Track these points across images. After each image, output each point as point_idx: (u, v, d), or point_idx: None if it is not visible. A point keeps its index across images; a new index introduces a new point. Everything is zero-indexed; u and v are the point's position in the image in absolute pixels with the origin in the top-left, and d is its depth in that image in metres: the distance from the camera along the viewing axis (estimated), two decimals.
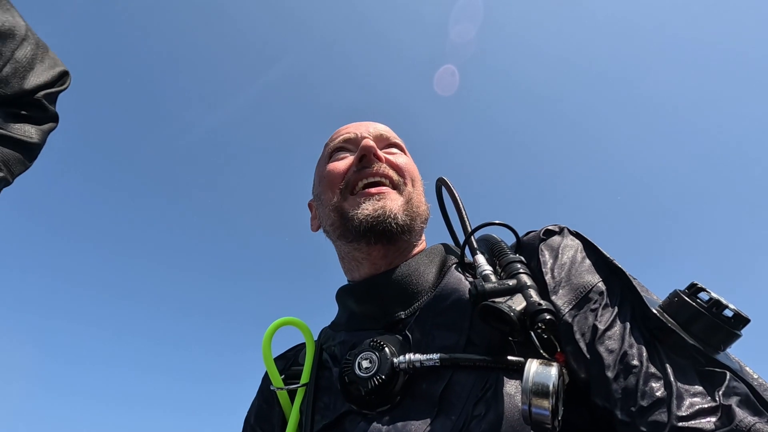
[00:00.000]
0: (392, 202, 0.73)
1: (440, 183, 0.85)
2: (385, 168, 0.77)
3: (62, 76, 0.79)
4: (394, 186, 0.76)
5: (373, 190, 0.74)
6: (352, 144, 0.83)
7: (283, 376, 0.79)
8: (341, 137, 0.84)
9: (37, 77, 0.73)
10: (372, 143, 0.77)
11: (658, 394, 0.48)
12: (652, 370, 0.50)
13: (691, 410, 0.46)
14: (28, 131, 0.74)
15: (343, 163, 0.79)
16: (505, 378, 0.56)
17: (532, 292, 0.57)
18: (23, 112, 0.74)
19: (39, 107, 0.75)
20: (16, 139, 0.72)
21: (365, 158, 0.76)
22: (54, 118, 0.80)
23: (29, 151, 0.76)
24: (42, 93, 0.75)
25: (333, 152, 0.83)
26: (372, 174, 0.75)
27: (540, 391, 0.48)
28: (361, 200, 0.73)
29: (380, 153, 0.78)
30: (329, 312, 0.88)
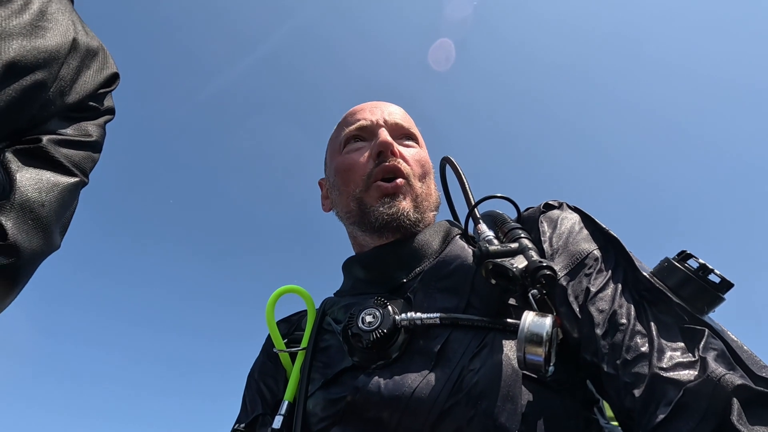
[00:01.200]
0: (404, 201, 0.78)
1: (444, 162, 0.89)
2: (400, 163, 0.80)
3: (109, 79, 0.78)
4: (407, 181, 0.80)
5: (389, 186, 0.78)
6: (367, 132, 0.85)
7: (286, 340, 0.81)
8: (356, 125, 0.86)
9: (82, 87, 0.72)
10: (389, 139, 0.80)
11: (643, 349, 0.52)
12: (639, 327, 0.54)
13: (670, 363, 0.49)
14: (86, 130, 0.74)
15: (360, 155, 0.83)
16: (501, 338, 0.59)
17: (533, 253, 0.60)
18: (77, 115, 0.73)
19: (90, 109, 0.75)
20: (77, 141, 0.71)
21: (382, 154, 0.80)
22: (109, 112, 0.80)
23: (93, 147, 0.76)
24: (88, 101, 0.74)
25: (347, 141, 0.86)
26: (388, 169, 0.79)
27: (534, 339, 0.52)
28: (378, 196, 0.78)
29: (396, 148, 0.81)
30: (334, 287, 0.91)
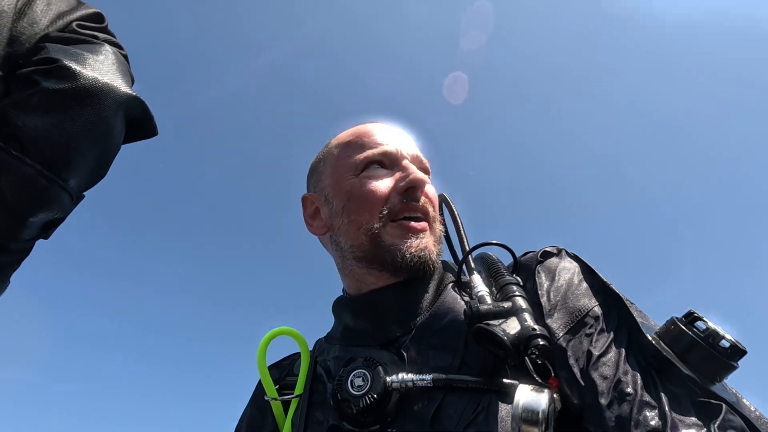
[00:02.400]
0: (429, 241, 0.73)
1: (441, 199, 0.85)
2: (427, 204, 0.76)
3: (93, 17, 0.74)
4: (430, 223, 0.76)
5: (417, 225, 0.73)
6: (389, 160, 0.77)
7: (277, 386, 0.78)
8: (379, 150, 0.77)
9: (55, 21, 0.69)
10: (422, 176, 0.75)
11: (653, 423, 0.48)
12: (647, 398, 0.50)
13: None
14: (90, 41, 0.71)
15: (383, 184, 0.74)
16: (497, 401, 0.56)
17: (527, 316, 0.56)
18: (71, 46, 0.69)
19: (85, 39, 0.71)
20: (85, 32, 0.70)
21: (412, 191, 0.74)
22: (111, 42, 0.75)
23: (108, 31, 0.76)
24: (75, 24, 0.71)
25: (368, 164, 0.77)
26: (417, 209, 0.74)
27: (530, 418, 0.48)
28: (404, 233, 0.72)
29: (426, 188, 0.76)
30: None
